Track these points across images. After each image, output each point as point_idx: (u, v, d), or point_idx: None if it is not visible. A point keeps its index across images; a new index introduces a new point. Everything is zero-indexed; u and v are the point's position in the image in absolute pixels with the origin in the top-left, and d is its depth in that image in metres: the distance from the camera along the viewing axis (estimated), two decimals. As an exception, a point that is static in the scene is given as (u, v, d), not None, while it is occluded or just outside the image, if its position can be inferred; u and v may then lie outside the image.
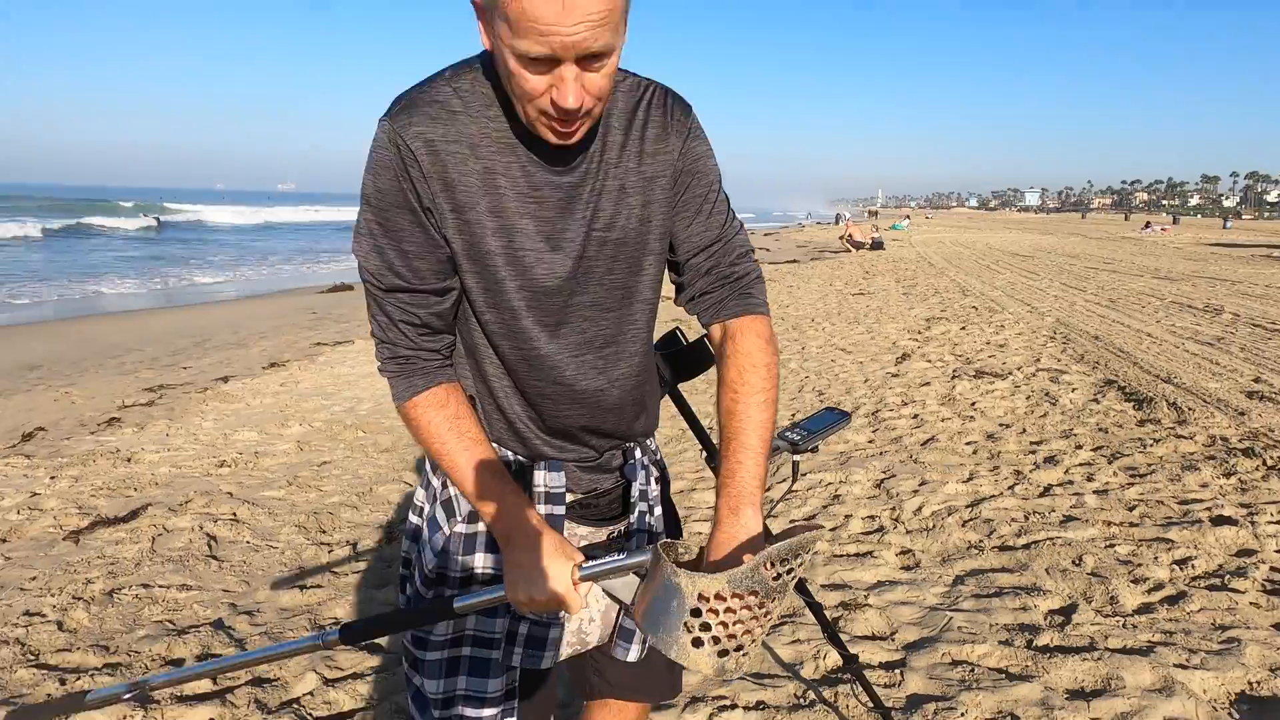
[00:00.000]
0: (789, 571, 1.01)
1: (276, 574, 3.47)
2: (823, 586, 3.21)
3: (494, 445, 1.27)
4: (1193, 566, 3.26)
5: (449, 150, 1.11)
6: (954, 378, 6.77)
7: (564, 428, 1.27)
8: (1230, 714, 2.36)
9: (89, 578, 3.45)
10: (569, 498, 1.30)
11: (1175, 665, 2.56)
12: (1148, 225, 47.99)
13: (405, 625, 1.22)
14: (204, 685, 2.60)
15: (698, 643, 0.99)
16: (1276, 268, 18.83)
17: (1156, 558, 3.34)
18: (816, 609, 1.73)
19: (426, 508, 1.32)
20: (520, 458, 1.28)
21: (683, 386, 1.69)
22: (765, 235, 44.62)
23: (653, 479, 1.39)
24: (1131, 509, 3.86)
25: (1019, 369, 7.06)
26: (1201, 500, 3.94)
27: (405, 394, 1.19)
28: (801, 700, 2.49)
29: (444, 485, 1.29)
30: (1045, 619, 2.91)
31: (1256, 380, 6.52)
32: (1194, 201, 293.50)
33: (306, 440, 5.46)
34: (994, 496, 4.10)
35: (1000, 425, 5.38)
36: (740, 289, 1.32)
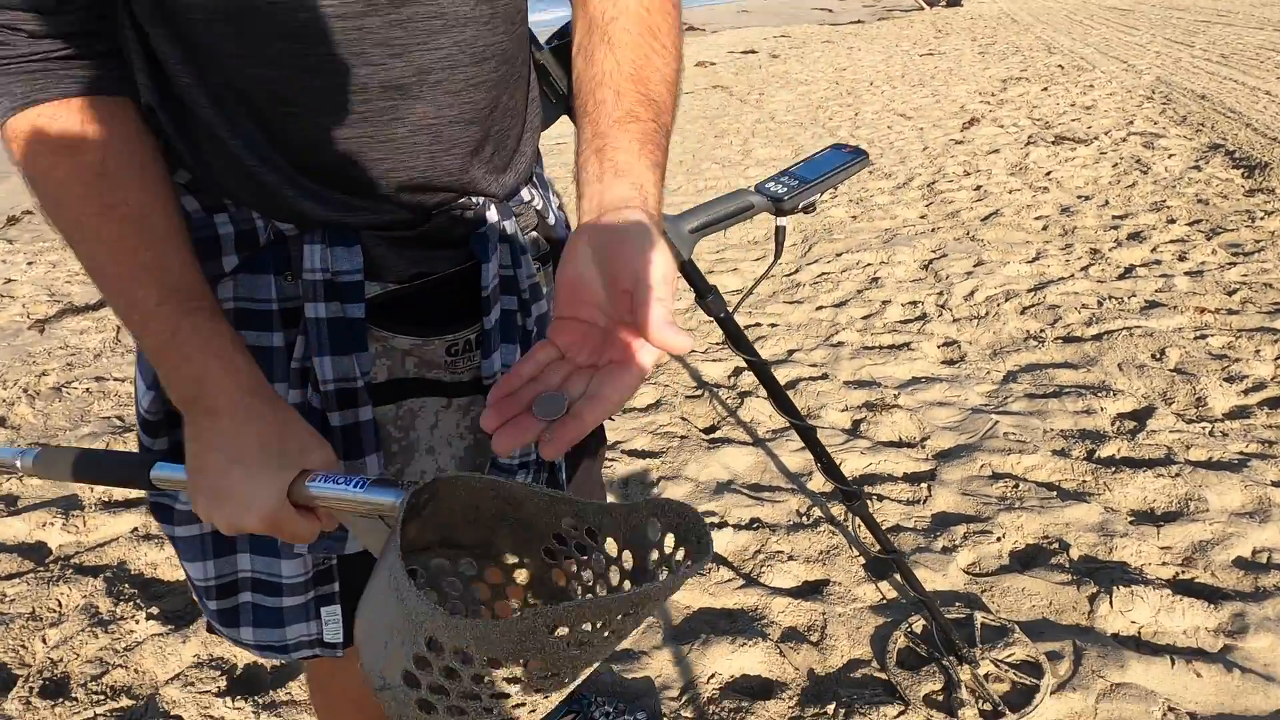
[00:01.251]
0: (611, 633, 0.51)
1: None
2: (845, 384, 2.75)
3: (211, 211, 0.75)
4: (1303, 362, 2.68)
5: None
6: (1028, 144, 5.87)
7: (337, 166, 0.72)
8: (1339, 544, 1.90)
9: (45, 369, 3.18)
10: (373, 290, 0.80)
11: (1273, 483, 2.08)
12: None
13: (104, 478, 0.78)
14: (131, 493, 2.33)
15: (425, 705, 0.52)
16: None
17: (1258, 351, 2.77)
18: (807, 433, 1.26)
19: None
20: (278, 224, 0.76)
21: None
22: (829, -4, 40.28)
23: (525, 258, 0.86)
24: (1231, 293, 3.23)
25: (1106, 134, 6.10)
26: (1320, 283, 3.28)
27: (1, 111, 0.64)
28: (804, 518, 2.10)
29: None
30: (1113, 425, 2.42)
31: (1397, 142, 5.49)
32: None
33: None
34: (1063, 279, 3.49)
35: (1078, 197, 4.62)
36: None
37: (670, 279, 0.59)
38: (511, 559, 0.66)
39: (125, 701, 1.66)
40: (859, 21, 19.66)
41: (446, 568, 0.65)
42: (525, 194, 0.89)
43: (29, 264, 4.51)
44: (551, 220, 0.94)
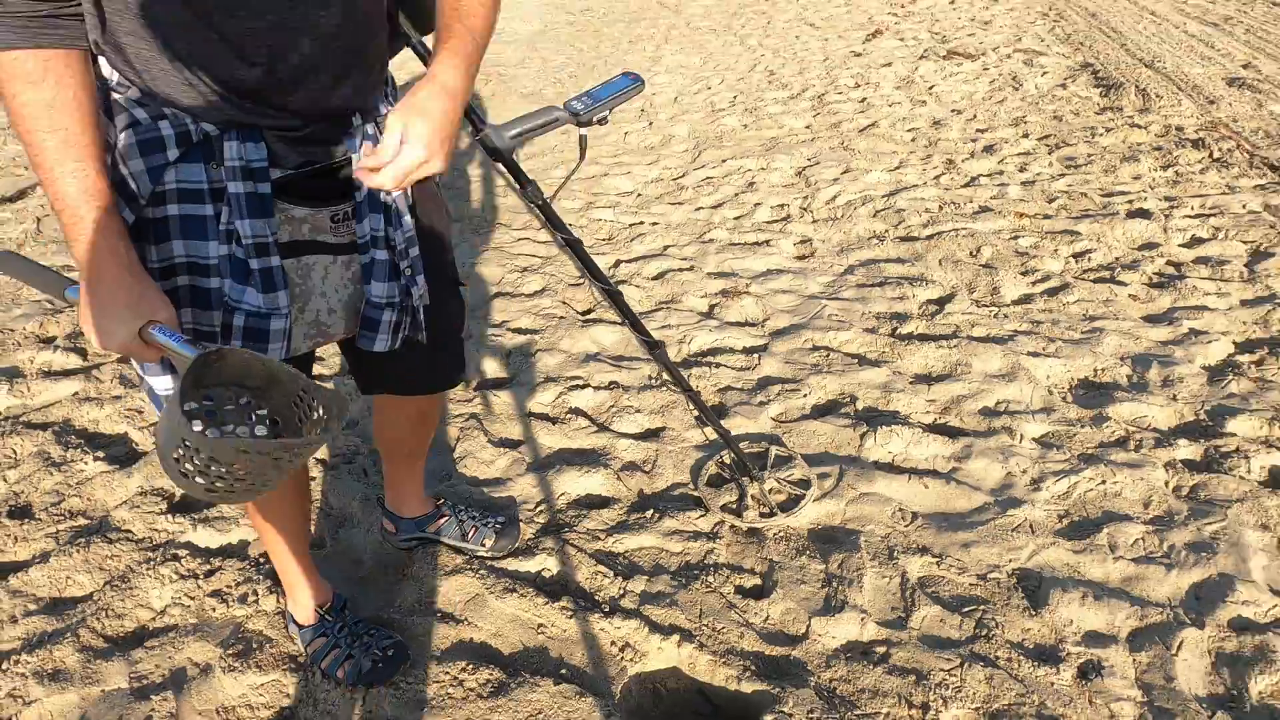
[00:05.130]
0: (283, 461, 0.96)
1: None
2: (708, 274, 3.17)
3: (169, 112, 1.08)
4: (1089, 259, 3.20)
5: None
6: (921, 59, 6.24)
7: (246, 92, 1.07)
8: (1065, 398, 2.43)
9: (-29, 258, 3.38)
10: (276, 174, 1.15)
11: (1028, 353, 2.60)
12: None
13: (31, 278, 1.15)
14: (72, 361, 2.63)
15: (185, 472, 0.93)
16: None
17: (1056, 250, 3.28)
18: (614, 296, 1.66)
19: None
20: (205, 126, 1.10)
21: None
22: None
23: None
24: (1052, 201, 3.73)
25: (995, 49, 6.49)
26: (1127, 193, 3.80)
27: None
28: (653, 381, 2.54)
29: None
30: (919, 308, 2.91)
31: (1245, 66, 6.03)
32: None
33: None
34: (915, 186, 3.94)
35: (951, 111, 5.04)
36: None
37: (426, 130, 1.02)
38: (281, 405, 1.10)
39: (81, 521, 2.03)
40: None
41: (229, 396, 1.07)
42: (383, 108, 1.24)
43: (-60, 156, 4.56)
44: None
